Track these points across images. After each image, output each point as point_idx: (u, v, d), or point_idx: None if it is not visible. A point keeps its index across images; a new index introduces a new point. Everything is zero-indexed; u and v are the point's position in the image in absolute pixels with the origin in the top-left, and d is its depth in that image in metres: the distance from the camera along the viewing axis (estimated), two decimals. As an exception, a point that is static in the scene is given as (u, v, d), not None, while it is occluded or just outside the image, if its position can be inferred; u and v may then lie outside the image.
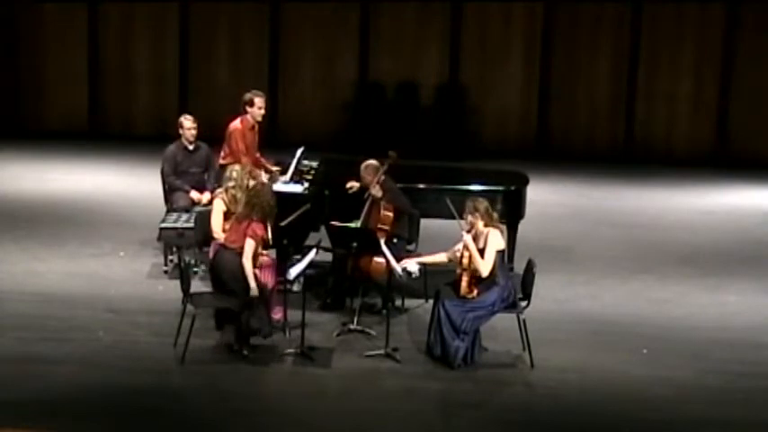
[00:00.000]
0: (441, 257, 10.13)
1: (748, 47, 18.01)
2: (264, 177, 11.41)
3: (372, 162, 10.90)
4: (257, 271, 9.75)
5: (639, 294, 11.77)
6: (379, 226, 10.64)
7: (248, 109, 11.84)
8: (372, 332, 10.26)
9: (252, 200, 9.77)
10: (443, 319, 9.64)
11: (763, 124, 18.10)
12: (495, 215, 9.87)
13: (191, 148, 12.30)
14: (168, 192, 12.29)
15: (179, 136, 12.39)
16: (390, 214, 10.72)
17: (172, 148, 12.35)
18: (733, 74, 18.10)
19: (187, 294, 9.70)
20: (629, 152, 18.37)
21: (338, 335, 10.27)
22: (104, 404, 8.87)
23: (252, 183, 10.57)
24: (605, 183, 16.79)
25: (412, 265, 9.98)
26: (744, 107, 18.14)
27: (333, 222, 10.41)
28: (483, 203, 9.80)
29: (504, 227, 10.03)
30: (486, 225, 9.74)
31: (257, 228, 9.64)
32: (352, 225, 10.57)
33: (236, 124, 11.84)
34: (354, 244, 10.08)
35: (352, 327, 10.35)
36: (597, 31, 18.33)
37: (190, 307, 9.73)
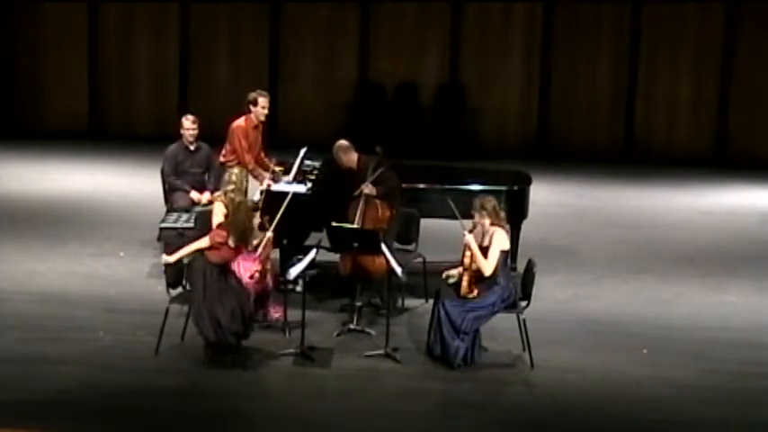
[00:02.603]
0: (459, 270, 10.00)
1: (748, 47, 18.03)
2: (267, 177, 11.40)
3: (343, 142, 10.93)
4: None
5: (639, 294, 11.77)
6: (377, 225, 10.62)
7: (252, 108, 11.86)
8: (372, 332, 10.26)
9: (233, 215, 9.82)
10: (443, 320, 9.63)
11: (763, 124, 18.12)
12: (503, 214, 9.86)
13: (192, 148, 12.29)
14: (168, 192, 12.29)
15: (180, 135, 12.39)
16: (388, 213, 10.71)
17: (173, 147, 12.35)
18: (733, 74, 18.12)
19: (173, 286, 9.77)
20: (629, 152, 18.39)
21: (338, 335, 10.27)
22: (104, 404, 8.87)
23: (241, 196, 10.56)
24: (605, 183, 16.81)
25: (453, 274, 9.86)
26: (744, 107, 18.16)
27: (332, 223, 10.39)
28: (491, 202, 9.79)
29: (509, 227, 10.00)
30: (492, 224, 9.72)
31: (217, 234, 9.62)
32: (353, 225, 10.54)
33: (239, 122, 11.86)
34: (355, 244, 10.07)
35: (352, 327, 10.35)
36: (597, 31, 18.35)
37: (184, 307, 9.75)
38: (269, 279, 10.22)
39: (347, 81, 18.74)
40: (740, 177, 17.19)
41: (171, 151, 12.32)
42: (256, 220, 10.18)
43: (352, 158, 10.95)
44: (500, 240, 9.68)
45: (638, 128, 18.43)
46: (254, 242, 10.05)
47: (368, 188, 10.71)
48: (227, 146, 11.87)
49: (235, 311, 9.49)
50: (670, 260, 12.96)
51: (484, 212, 9.72)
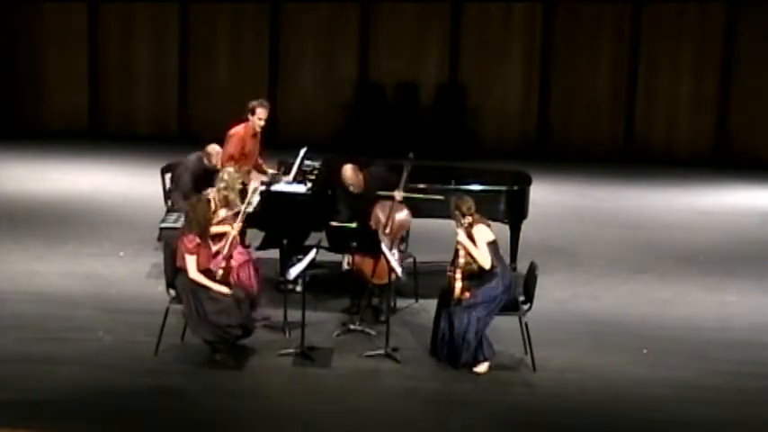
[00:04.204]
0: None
1: (748, 47, 18.02)
2: (262, 182, 11.29)
3: (347, 169, 10.85)
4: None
5: (639, 294, 11.77)
6: (402, 232, 10.64)
7: (250, 117, 11.74)
8: (372, 332, 10.25)
9: (188, 213, 9.72)
10: (448, 322, 9.60)
11: (763, 124, 18.11)
12: (477, 216, 9.79)
13: (211, 169, 11.99)
14: (169, 192, 12.23)
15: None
16: (411, 218, 10.74)
17: (194, 160, 11.96)
18: (733, 74, 18.12)
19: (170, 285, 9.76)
20: (629, 152, 18.39)
21: (338, 335, 10.26)
22: (104, 404, 8.87)
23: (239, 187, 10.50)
24: (605, 183, 16.80)
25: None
26: (744, 107, 18.15)
27: (331, 222, 10.38)
28: (467, 203, 9.74)
29: (489, 222, 9.92)
30: (470, 224, 9.69)
31: (187, 241, 9.57)
32: (352, 225, 10.54)
33: (237, 129, 11.73)
34: (354, 244, 10.07)
35: (352, 327, 10.34)
36: (597, 31, 18.34)
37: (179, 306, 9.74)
38: (255, 282, 10.19)
39: (347, 81, 18.73)
40: (740, 177, 17.19)
41: (193, 164, 11.93)
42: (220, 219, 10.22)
43: (360, 180, 10.87)
44: (482, 234, 9.64)
45: (639, 128, 18.42)
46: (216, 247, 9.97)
47: (399, 194, 10.70)
48: (224, 152, 11.72)
49: (229, 307, 9.48)
50: (670, 260, 12.96)
51: (457, 213, 9.70)
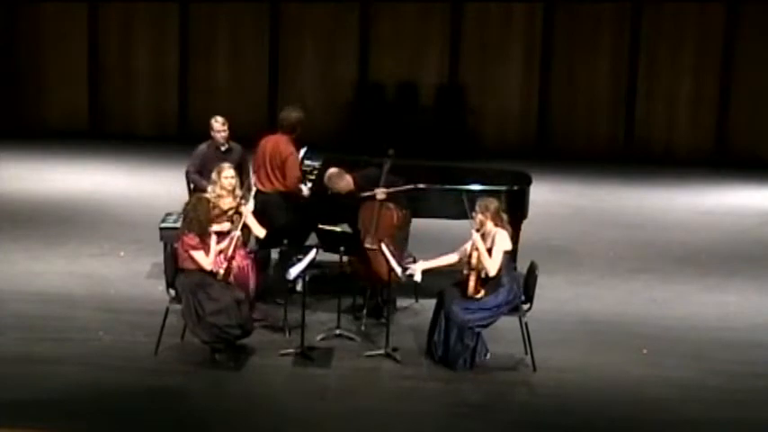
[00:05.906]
0: (451, 258, 10.01)
1: (748, 47, 18.02)
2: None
3: (332, 170, 10.74)
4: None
5: (640, 294, 11.77)
6: (391, 232, 10.58)
7: (299, 130, 11.11)
8: (357, 338, 10.19)
9: (189, 213, 9.70)
10: (447, 322, 9.60)
11: (763, 124, 18.12)
12: (505, 216, 9.86)
13: (223, 149, 11.83)
14: (193, 191, 12.10)
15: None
16: (402, 216, 10.66)
17: (202, 147, 11.87)
18: (733, 74, 18.12)
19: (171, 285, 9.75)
20: (629, 152, 18.39)
21: (322, 339, 10.16)
22: (104, 404, 8.87)
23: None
24: (605, 183, 16.80)
25: (418, 274, 9.89)
26: (744, 107, 18.16)
27: (320, 226, 10.31)
28: (494, 203, 9.78)
29: (510, 228, 9.96)
30: (495, 225, 9.71)
31: (188, 240, 9.56)
32: (338, 229, 10.48)
33: (292, 148, 11.03)
34: (342, 248, 10.05)
35: (338, 332, 10.25)
36: (597, 31, 18.35)
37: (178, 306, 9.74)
38: (252, 283, 10.18)
39: (347, 81, 18.73)
40: (740, 177, 17.19)
41: (200, 150, 11.84)
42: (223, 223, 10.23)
43: (348, 181, 10.78)
44: (502, 241, 9.67)
45: (639, 127, 18.42)
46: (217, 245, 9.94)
47: (381, 194, 10.62)
48: (277, 173, 11.02)
49: (229, 307, 9.47)
50: (670, 260, 12.96)
51: (487, 214, 9.72)
